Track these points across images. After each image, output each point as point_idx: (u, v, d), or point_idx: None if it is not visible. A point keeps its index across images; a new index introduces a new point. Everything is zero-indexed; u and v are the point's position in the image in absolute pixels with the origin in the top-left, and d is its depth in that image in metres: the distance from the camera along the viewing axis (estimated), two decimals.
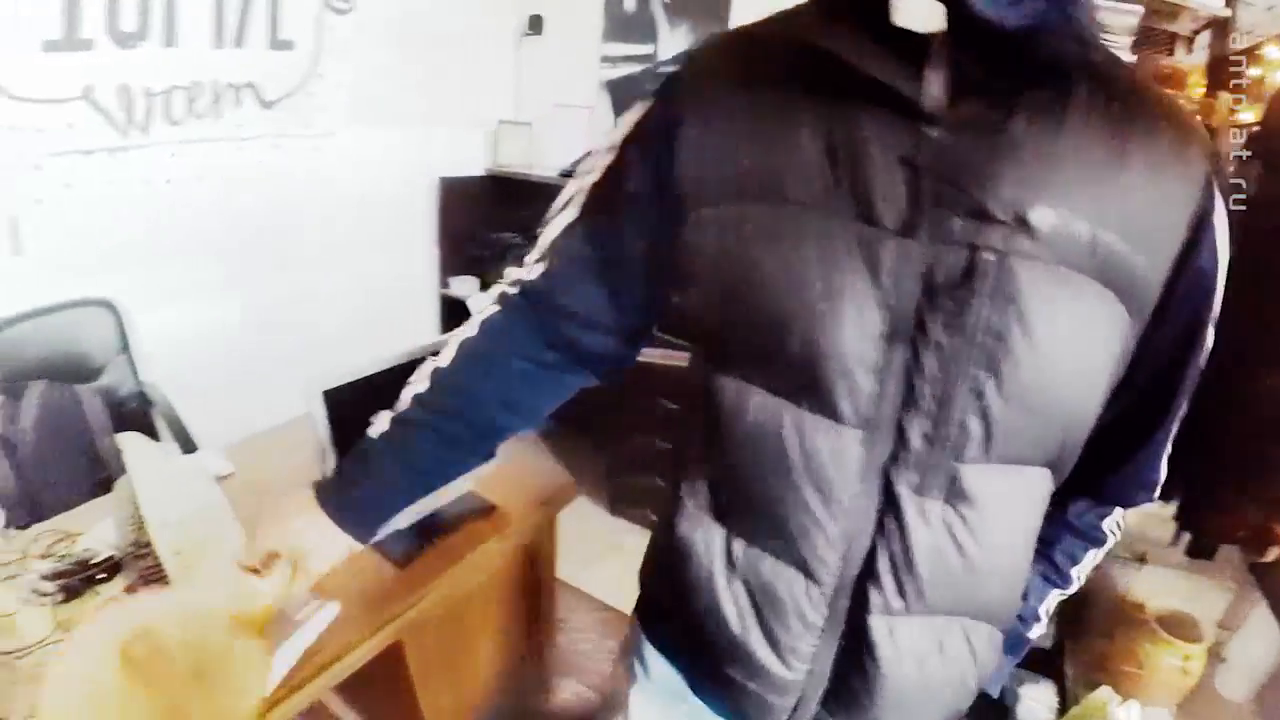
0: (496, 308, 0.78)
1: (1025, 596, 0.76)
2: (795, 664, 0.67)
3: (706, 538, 0.69)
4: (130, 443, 1.22)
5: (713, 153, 0.63)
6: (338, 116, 2.39)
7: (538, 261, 0.75)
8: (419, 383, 0.79)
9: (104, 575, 1.13)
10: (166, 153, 1.98)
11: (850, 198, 0.57)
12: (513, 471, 1.41)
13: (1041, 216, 0.55)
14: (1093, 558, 0.78)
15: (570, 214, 0.73)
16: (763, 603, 0.67)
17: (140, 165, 1.93)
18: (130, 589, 0.94)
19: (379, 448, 0.78)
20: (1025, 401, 0.58)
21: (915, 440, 0.59)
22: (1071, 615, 1.66)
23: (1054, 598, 0.80)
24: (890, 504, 0.61)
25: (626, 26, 2.81)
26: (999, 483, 0.61)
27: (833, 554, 0.63)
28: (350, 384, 1.16)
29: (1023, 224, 0.55)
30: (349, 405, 1.10)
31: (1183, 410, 0.69)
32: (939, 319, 0.57)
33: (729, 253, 0.62)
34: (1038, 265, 0.55)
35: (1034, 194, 0.55)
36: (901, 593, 0.63)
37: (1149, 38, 1.63)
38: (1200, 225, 0.58)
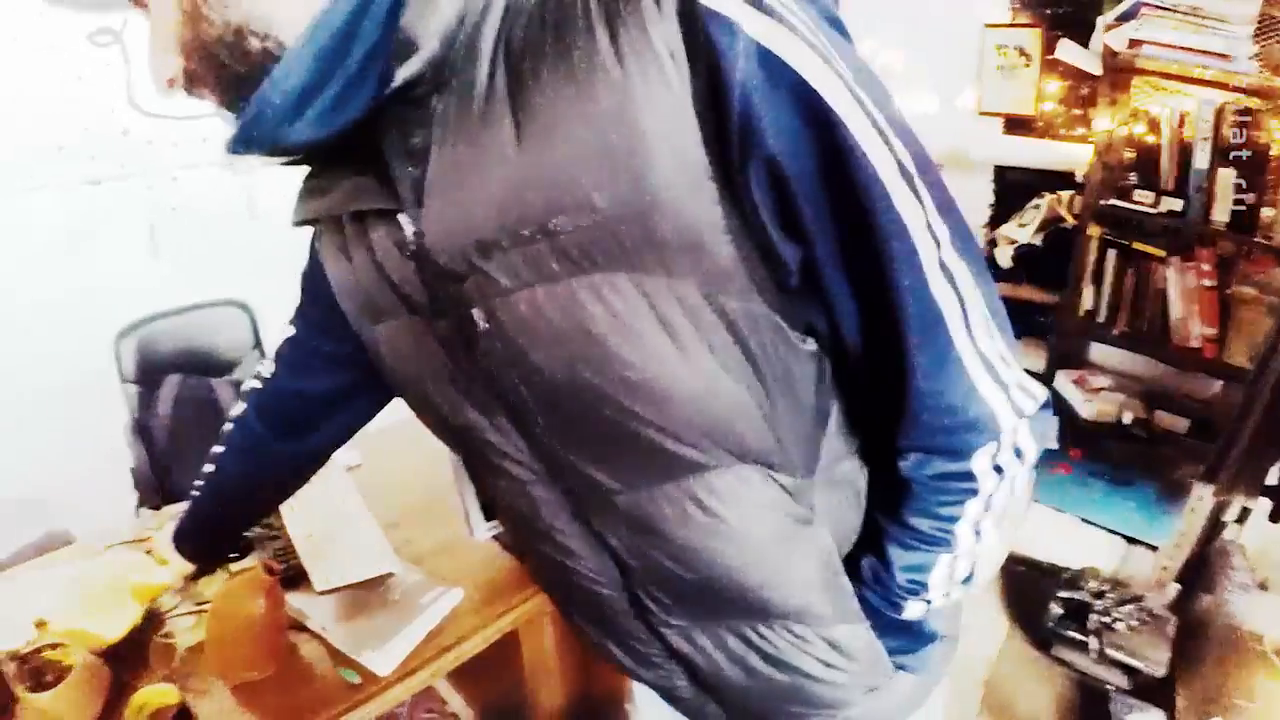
0: (242, 405, 0.89)
1: (887, 570, 0.62)
2: (661, 672, 0.69)
3: (539, 569, 0.75)
4: None
5: (338, 291, 0.67)
6: None
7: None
8: (219, 445, 0.91)
9: (235, 554, 1.18)
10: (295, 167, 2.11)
11: (402, 302, 0.58)
12: None
13: (482, 247, 0.49)
14: (979, 507, 0.57)
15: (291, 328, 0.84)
16: (601, 619, 0.69)
17: (270, 177, 2.05)
18: (266, 567, 1.00)
19: (201, 489, 0.91)
20: (603, 435, 0.53)
21: (566, 489, 0.60)
22: (1185, 643, 1.59)
23: (944, 564, 0.60)
24: (601, 540, 0.61)
25: None
26: (677, 505, 0.56)
27: (601, 588, 0.65)
28: None
29: (473, 265, 0.50)
30: None
31: (939, 314, 0.48)
32: (488, 386, 0.56)
33: (382, 369, 0.67)
34: (511, 299, 0.49)
35: (467, 226, 0.50)
36: (666, 610, 0.63)
37: (1269, 26, 1.56)
38: (720, 94, 0.42)
